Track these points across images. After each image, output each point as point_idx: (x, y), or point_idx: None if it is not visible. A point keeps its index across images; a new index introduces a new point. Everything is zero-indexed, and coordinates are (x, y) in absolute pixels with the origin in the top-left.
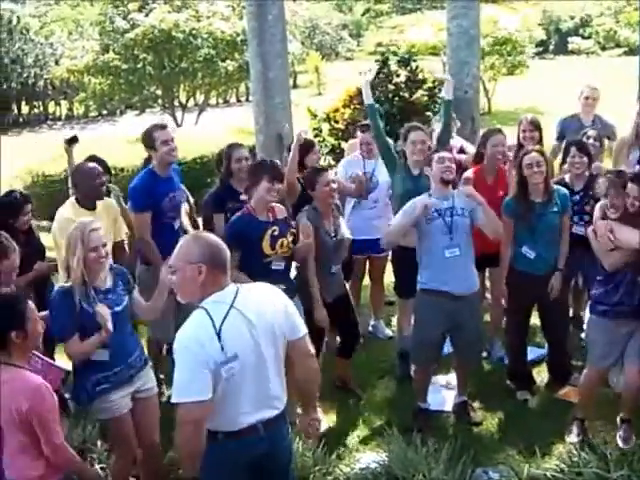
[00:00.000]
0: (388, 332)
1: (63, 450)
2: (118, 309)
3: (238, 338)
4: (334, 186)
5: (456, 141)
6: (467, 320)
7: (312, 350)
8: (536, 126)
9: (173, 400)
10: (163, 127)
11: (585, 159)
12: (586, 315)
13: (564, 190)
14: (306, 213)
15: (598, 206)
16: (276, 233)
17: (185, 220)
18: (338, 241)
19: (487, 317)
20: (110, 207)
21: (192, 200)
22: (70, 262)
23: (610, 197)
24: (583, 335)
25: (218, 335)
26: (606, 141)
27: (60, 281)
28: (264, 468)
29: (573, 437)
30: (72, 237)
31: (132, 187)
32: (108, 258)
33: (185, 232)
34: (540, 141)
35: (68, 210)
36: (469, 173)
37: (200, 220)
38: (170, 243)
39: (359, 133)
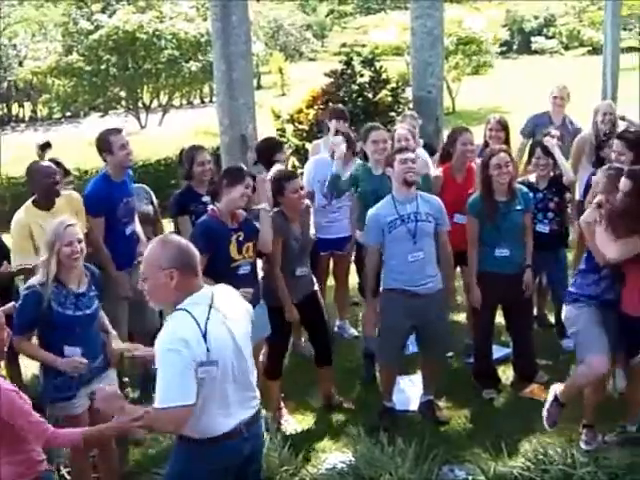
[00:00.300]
0: (353, 332)
1: (53, 439)
2: (88, 312)
3: (221, 339)
4: (303, 193)
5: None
6: (433, 317)
7: None
8: (503, 126)
9: (159, 405)
10: (119, 131)
11: (550, 160)
12: (565, 313)
13: (525, 188)
14: (273, 217)
15: (595, 200)
16: (241, 238)
17: (138, 227)
18: (303, 243)
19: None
20: (72, 200)
21: (156, 202)
22: (46, 259)
23: (606, 193)
24: (564, 342)
25: (204, 336)
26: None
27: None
28: (243, 470)
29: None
30: (50, 235)
31: (87, 192)
32: (83, 255)
33: (138, 238)
34: (507, 141)
35: (22, 213)
36: (438, 172)
37: (165, 222)
38: (122, 249)
39: (334, 122)
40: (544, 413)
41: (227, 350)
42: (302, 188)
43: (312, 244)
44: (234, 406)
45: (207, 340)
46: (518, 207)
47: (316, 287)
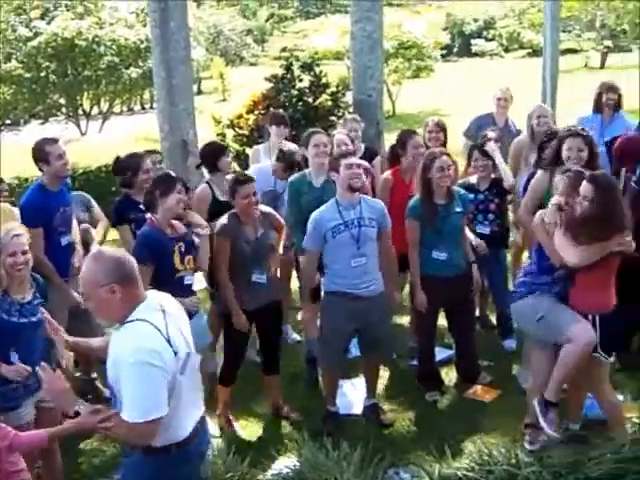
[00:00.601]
0: (296, 337)
1: (17, 442)
2: (34, 319)
3: (179, 342)
4: (254, 199)
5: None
6: (376, 319)
7: None
8: (442, 128)
9: (134, 420)
10: (55, 141)
11: (489, 161)
12: (518, 306)
13: (462, 190)
14: (226, 219)
15: (553, 202)
16: (183, 249)
17: (77, 236)
18: (257, 247)
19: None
20: (4, 211)
21: (98, 208)
22: None
23: (566, 195)
24: (506, 343)
25: (169, 342)
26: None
27: None
28: (199, 473)
29: (546, 427)
30: None
31: (22, 204)
32: (28, 266)
33: (74, 248)
34: (445, 143)
35: None
36: (387, 175)
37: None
38: (59, 259)
39: (274, 127)
40: (542, 425)
41: (185, 351)
42: (255, 194)
43: (270, 251)
44: (191, 407)
45: (172, 346)
46: (457, 209)
47: (279, 297)
